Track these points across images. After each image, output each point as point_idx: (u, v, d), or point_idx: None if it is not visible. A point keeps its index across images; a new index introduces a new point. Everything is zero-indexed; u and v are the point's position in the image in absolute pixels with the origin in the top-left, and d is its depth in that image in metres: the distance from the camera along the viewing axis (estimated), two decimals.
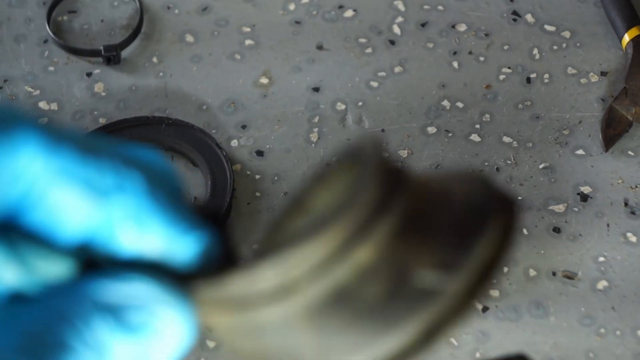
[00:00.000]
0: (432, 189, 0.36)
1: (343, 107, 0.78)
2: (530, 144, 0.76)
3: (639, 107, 0.76)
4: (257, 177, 0.75)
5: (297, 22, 0.84)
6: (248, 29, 0.83)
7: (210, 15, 0.84)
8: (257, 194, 0.74)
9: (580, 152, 0.75)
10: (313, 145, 0.76)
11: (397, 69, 0.81)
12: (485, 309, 0.67)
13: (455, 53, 0.81)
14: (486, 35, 0.83)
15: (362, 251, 0.33)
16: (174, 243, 0.32)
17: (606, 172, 0.74)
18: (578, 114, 0.77)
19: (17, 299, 0.31)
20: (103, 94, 0.79)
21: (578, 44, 0.82)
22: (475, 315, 0.67)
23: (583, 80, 0.79)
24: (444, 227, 0.35)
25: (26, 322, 0.30)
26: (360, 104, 0.78)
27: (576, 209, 0.72)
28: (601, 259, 0.70)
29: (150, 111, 0.78)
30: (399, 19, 0.84)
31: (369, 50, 0.82)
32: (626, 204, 0.72)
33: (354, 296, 0.33)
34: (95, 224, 0.31)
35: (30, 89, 0.80)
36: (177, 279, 0.33)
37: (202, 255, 0.33)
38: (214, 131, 0.77)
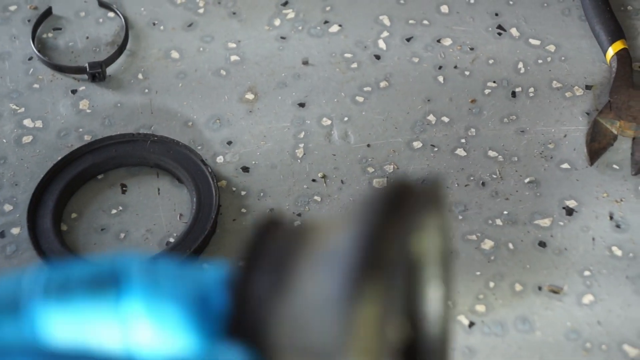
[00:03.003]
0: None
1: (329, 122, 0.78)
2: (516, 158, 0.76)
3: (624, 121, 0.76)
4: (243, 193, 0.74)
5: (283, 38, 0.84)
6: (233, 45, 0.83)
7: (195, 31, 0.84)
8: (243, 210, 0.73)
9: (565, 166, 0.75)
10: (299, 161, 0.76)
11: (383, 84, 0.81)
12: (471, 324, 0.67)
13: (440, 67, 0.82)
14: (471, 49, 0.83)
15: None
16: None
17: (591, 185, 0.74)
18: (563, 127, 0.78)
19: None
20: (88, 111, 0.79)
21: (563, 58, 0.82)
22: (461, 331, 0.67)
23: (568, 94, 0.80)
24: None
25: None
26: (345, 119, 0.78)
27: (561, 223, 0.72)
28: (587, 273, 0.69)
29: (135, 128, 0.78)
30: (385, 34, 0.84)
31: (354, 65, 0.82)
32: (611, 218, 0.72)
33: None
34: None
35: (14, 107, 0.80)
36: None
37: None
38: (199, 148, 0.77)
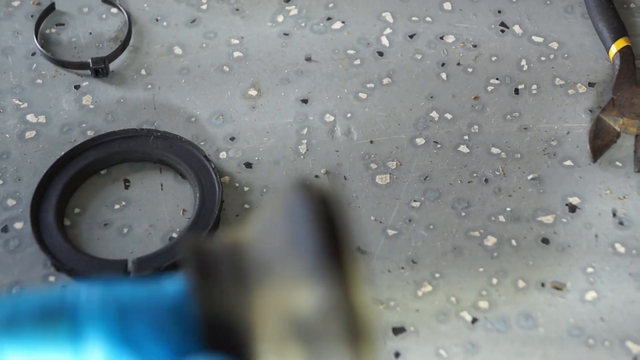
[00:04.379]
0: None
1: (332, 118, 0.78)
2: (519, 155, 0.76)
3: (627, 118, 0.76)
4: (246, 189, 0.74)
5: (286, 34, 0.84)
6: (236, 41, 0.83)
7: (198, 27, 0.84)
8: (246, 206, 0.73)
9: (568, 163, 0.75)
10: (302, 157, 0.76)
11: (386, 81, 0.81)
12: (474, 320, 0.67)
13: (443, 64, 0.82)
14: (474, 46, 0.83)
15: None
16: None
17: (594, 182, 0.74)
18: (566, 124, 0.78)
19: None
20: (91, 106, 0.79)
21: (566, 55, 0.82)
22: (465, 327, 0.67)
23: (571, 91, 0.80)
24: None
25: None
26: (348, 115, 0.78)
27: (565, 220, 0.72)
28: (590, 269, 0.70)
29: (138, 123, 0.78)
30: (388, 31, 0.84)
31: (357, 61, 0.82)
32: (614, 215, 0.72)
33: None
34: None
35: (18, 102, 0.80)
36: None
37: None
38: (202, 143, 0.77)
